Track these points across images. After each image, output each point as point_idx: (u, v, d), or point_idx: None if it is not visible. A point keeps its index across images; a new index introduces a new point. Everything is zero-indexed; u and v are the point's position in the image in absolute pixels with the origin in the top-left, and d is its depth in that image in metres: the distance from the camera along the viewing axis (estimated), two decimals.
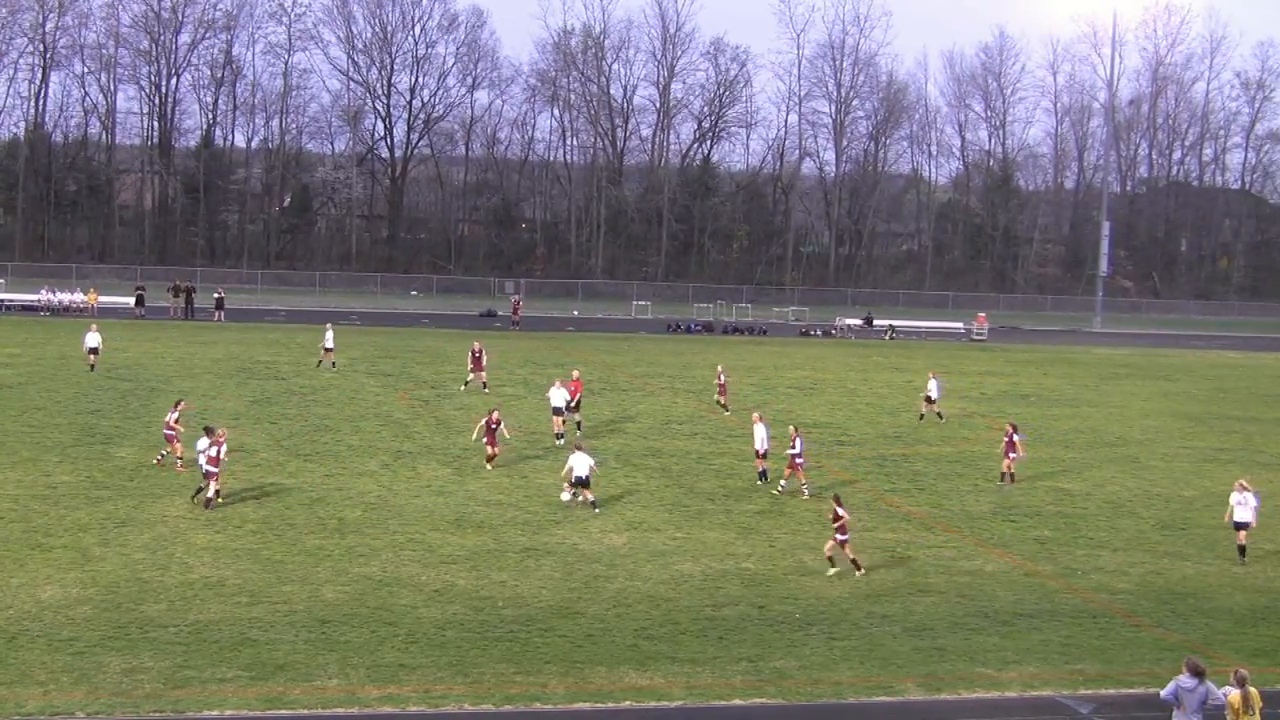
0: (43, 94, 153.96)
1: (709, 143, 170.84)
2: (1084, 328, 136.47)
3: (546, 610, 31.84)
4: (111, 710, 25.05)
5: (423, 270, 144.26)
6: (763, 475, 47.66)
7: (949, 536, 41.14)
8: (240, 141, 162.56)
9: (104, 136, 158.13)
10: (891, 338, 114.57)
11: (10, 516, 38.18)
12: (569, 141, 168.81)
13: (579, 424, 56.66)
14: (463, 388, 66.21)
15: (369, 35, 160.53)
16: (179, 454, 45.64)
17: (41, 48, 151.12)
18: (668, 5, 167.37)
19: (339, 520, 39.40)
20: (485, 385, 65.93)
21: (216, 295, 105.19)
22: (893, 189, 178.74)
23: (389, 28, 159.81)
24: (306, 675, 27.07)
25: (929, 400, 64.93)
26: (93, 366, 67.98)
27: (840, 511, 35.44)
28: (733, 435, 57.21)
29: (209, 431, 41.09)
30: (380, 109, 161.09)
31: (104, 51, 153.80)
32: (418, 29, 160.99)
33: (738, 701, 26.96)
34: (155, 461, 46.11)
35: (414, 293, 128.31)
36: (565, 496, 42.97)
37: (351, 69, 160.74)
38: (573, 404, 56.46)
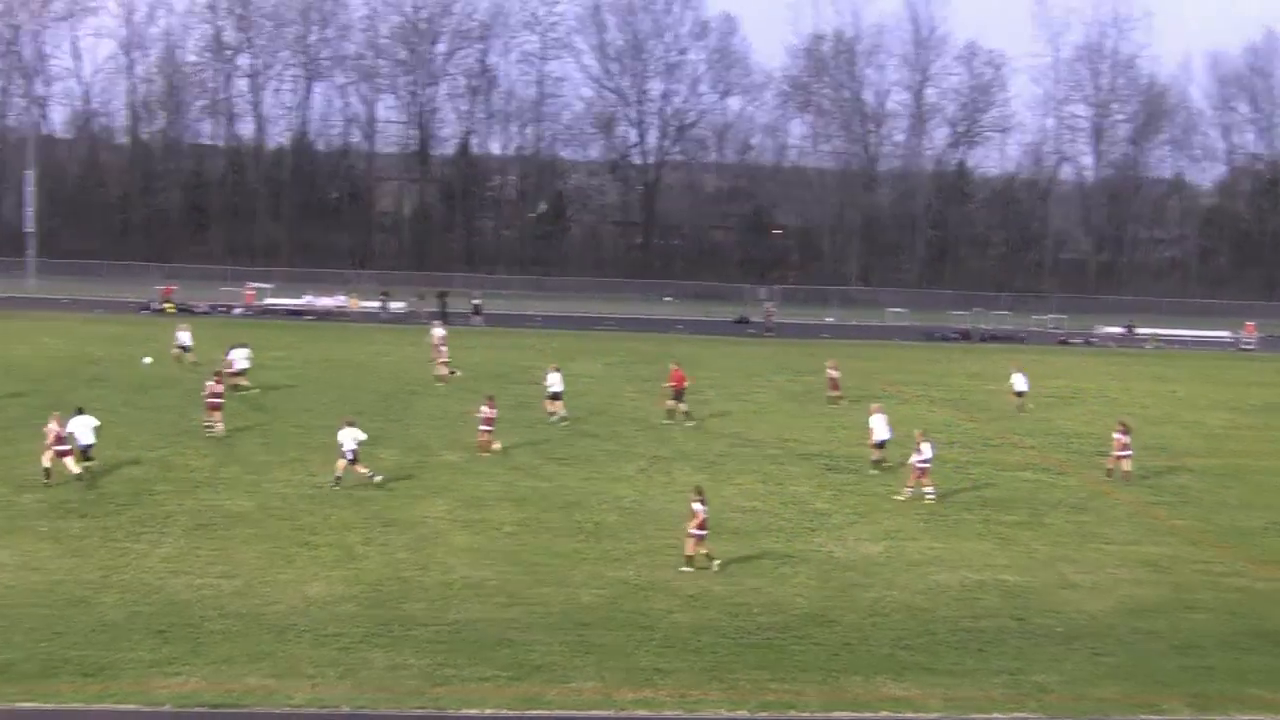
0: (306, 104, 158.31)
1: (964, 148, 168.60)
2: None
3: (802, 618, 31.68)
4: (375, 705, 25.63)
5: (676, 276, 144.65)
6: (876, 464, 49.27)
7: (1217, 552, 39.88)
8: (495, 149, 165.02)
9: (364, 145, 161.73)
10: (1154, 347, 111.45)
11: (279, 514, 39.29)
12: (821, 147, 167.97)
13: (687, 413, 58.37)
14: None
15: (621, 43, 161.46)
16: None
17: (304, 60, 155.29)
18: (920, 9, 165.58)
19: (595, 524, 39.71)
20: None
21: (474, 302, 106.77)
22: (1154, 194, 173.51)
23: (641, 35, 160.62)
24: (563, 676, 27.32)
25: (1018, 394, 65.87)
26: (179, 361, 68.74)
27: (696, 508, 34.93)
28: (989, 444, 56.42)
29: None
30: (632, 116, 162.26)
31: (364, 62, 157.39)
32: (669, 36, 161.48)
33: (997, 715, 26.50)
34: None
35: (667, 299, 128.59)
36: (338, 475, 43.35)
37: (604, 76, 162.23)
38: (674, 392, 58.96)
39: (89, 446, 42.83)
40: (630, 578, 34.30)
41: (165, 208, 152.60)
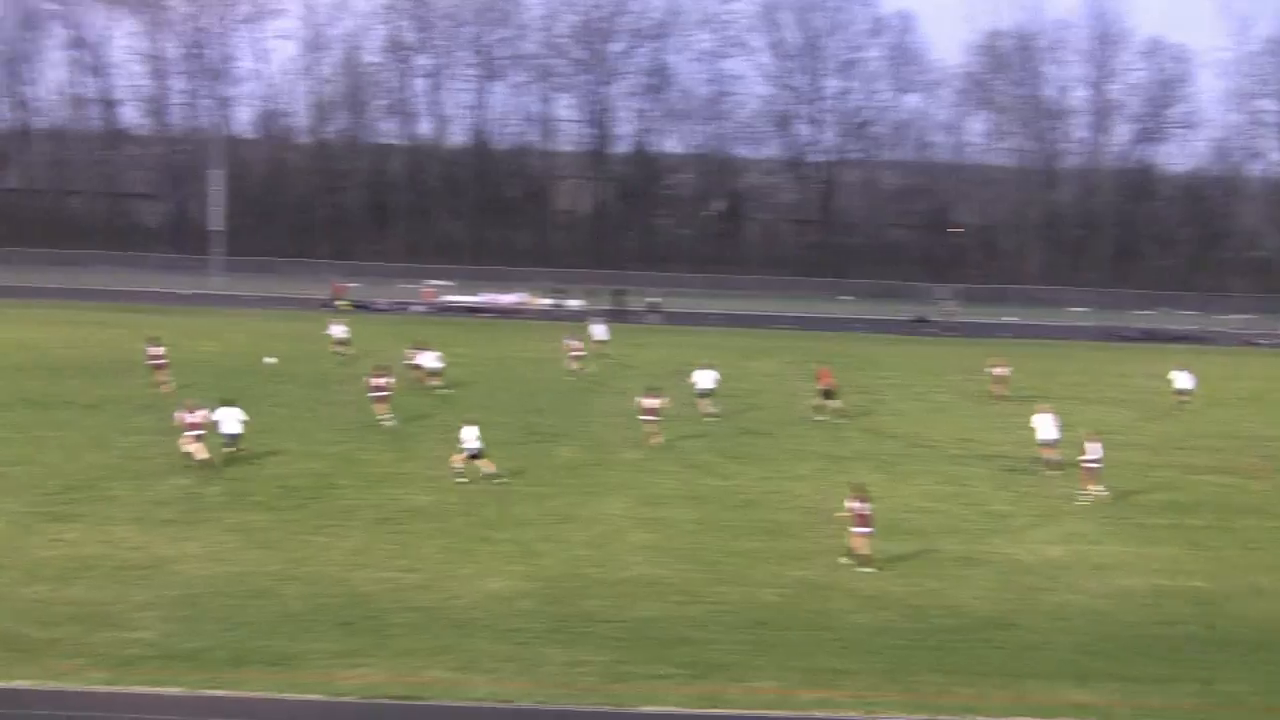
0: (484, 103, 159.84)
1: (1148, 144, 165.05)
2: None
3: (982, 620, 31.27)
4: (554, 701, 25.69)
5: (853, 275, 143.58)
6: (1046, 463, 48.67)
7: None
8: (672, 147, 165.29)
9: (542, 143, 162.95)
10: None
11: (459, 509, 39.67)
12: (1001, 144, 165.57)
13: (820, 407, 58.98)
14: None
15: (797, 40, 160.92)
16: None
17: (482, 59, 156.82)
18: (1103, 4, 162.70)
19: (774, 522, 39.53)
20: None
21: (650, 299, 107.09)
22: None
23: (817, 32, 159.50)
24: (742, 676, 27.20)
25: (1179, 392, 65.77)
26: (342, 356, 70.94)
27: (854, 505, 35.21)
28: (1175, 447, 55.21)
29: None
30: (809, 114, 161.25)
31: (541, 61, 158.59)
32: (845, 33, 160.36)
33: None
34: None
35: (844, 297, 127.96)
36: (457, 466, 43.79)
37: (780, 74, 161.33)
38: (827, 392, 59.32)
39: (235, 436, 44.49)
40: (810, 577, 34.09)
41: (347, 206, 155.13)
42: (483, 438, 43.39)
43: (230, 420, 44.69)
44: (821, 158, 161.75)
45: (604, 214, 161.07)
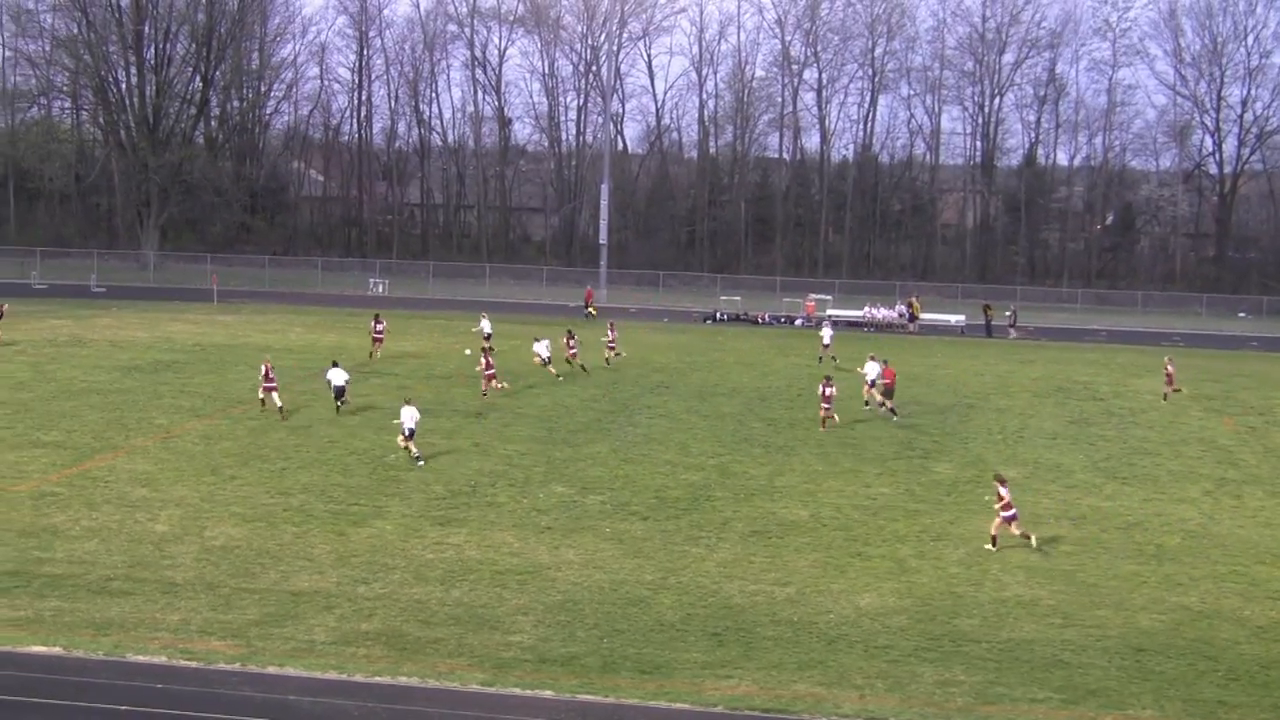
0: (870, 117, 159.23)
1: None
2: None
3: None
4: None
5: (1252, 291, 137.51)
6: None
7: None
8: (1062, 159, 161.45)
9: (928, 157, 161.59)
10: None
11: (833, 524, 39.53)
12: None
13: (891, 410, 59.04)
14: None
15: (1198, 47, 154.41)
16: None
17: (871, 72, 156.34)
18: None
19: (1156, 546, 38.20)
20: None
21: (1007, 314, 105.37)
22: None
23: (1219, 39, 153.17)
24: (1119, 703, 26.37)
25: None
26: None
27: (1002, 492, 37.18)
28: None
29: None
30: (1209, 123, 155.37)
31: (930, 74, 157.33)
32: (1250, 39, 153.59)
33: None
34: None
35: (1242, 314, 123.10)
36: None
37: (1179, 83, 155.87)
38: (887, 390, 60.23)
39: (341, 389, 54.44)
40: (1193, 604, 32.83)
41: (729, 219, 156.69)
42: (859, 453, 42.96)
43: (338, 376, 54.45)
44: (1220, 169, 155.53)
45: (989, 228, 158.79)
